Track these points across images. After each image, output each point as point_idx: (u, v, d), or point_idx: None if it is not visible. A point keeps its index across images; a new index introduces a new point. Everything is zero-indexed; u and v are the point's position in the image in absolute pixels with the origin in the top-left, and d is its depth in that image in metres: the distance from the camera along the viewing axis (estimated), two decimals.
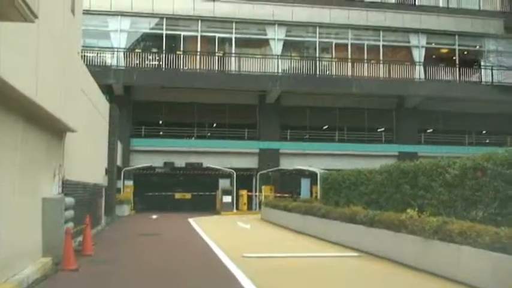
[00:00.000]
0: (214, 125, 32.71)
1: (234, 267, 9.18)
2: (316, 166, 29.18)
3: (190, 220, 22.17)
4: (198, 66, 30.08)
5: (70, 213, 10.90)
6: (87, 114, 14.73)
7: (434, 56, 33.76)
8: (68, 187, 11.54)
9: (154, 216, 24.78)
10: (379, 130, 34.06)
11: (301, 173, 30.54)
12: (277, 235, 16.21)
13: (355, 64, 31.66)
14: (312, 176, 29.01)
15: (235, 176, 28.98)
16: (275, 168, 30.44)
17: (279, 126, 32.18)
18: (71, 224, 10.83)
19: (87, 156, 15.20)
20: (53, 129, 9.81)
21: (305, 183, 28.00)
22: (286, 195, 27.52)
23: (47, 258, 9.11)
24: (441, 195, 11.48)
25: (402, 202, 13.38)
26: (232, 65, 30.52)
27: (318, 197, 24.15)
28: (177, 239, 14.67)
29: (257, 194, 30.46)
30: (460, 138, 34.46)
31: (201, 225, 19.27)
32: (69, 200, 10.86)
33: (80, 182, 13.65)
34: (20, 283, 7.15)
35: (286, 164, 31.27)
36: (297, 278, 8.48)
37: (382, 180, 14.83)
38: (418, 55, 32.49)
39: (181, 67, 30.01)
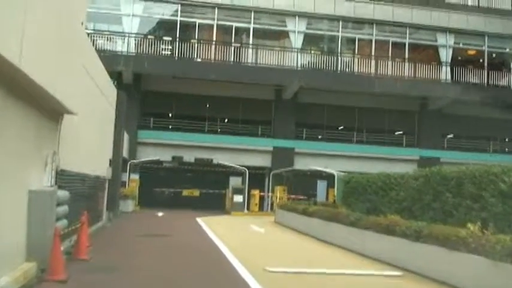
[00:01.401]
0: (227, 119, 31.02)
1: (256, 285, 7.52)
2: (332, 168, 27.58)
3: (199, 220, 20.54)
4: (212, 57, 28.40)
5: (64, 209, 9.26)
6: (91, 97, 13.11)
7: (461, 57, 31.89)
8: (63, 179, 9.91)
9: (160, 214, 23.16)
10: (400, 133, 32.25)
11: (317, 175, 28.85)
12: (298, 243, 14.51)
13: (379, 62, 29.86)
14: (329, 178, 27.33)
15: (247, 174, 27.28)
16: (289, 168, 28.74)
17: (295, 124, 30.50)
18: (63, 222, 9.21)
19: (89, 144, 13.58)
20: (44, 108, 8.16)
21: (321, 185, 26.29)
22: (302, 197, 25.81)
23: (31, 263, 7.48)
24: (493, 207, 9.88)
25: (442, 212, 11.82)
26: (249, 57, 28.83)
27: (336, 200, 22.59)
28: (187, 244, 12.94)
29: (270, 194, 28.76)
30: (485, 145, 32.69)
31: (212, 226, 17.62)
32: (63, 194, 9.23)
33: (79, 173, 12.04)
34: None
35: (300, 164, 29.64)
36: None
37: (418, 186, 13.25)
38: (445, 55, 30.68)
39: (195, 57, 28.34)
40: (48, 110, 8.45)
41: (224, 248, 11.84)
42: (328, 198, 26.47)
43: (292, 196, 26.64)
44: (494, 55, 32.35)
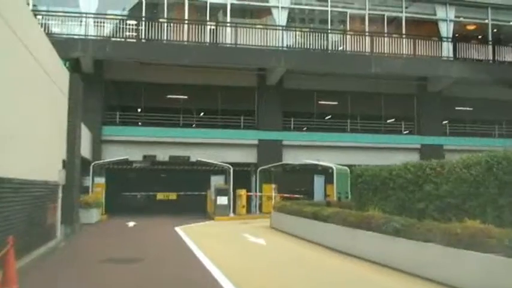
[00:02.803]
0: (204, 111, 27.23)
1: None
2: (325, 161, 24.26)
3: (179, 230, 16.81)
4: (185, 38, 24.56)
5: None
6: (25, 73, 9.28)
7: (463, 32, 28.70)
8: None
9: (131, 224, 19.27)
10: (397, 120, 28.85)
11: (310, 170, 25.40)
12: (320, 261, 10.77)
13: (374, 39, 26.40)
14: (325, 172, 23.91)
15: (232, 172, 23.56)
16: (278, 163, 25.16)
17: (282, 114, 26.90)
18: None
19: (27, 140, 9.75)
20: None
21: (318, 181, 22.74)
22: (297, 196, 22.21)
23: None
24: None
25: None
26: (227, 37, 25.05)
27: (340, 198, 19.18)
28: (169, 275, 8.83)
29: (258, 194, 25.10)
30: (490, 129, 29.68)
31: (196, 239, 13.88)
32: None
33: (9, 178, 8.26)
34: None
35: (289, 158, 26.17)
36: None
37: (474, 176, 9.91)
38: (446, 30, 27.42)
39: (165, 39, 24.47)
40: None
41: (223, 278, 8.12)
42: (326, 196, 22.95)
43: (286, 195, 23.00)
44: (498, 29, 29.24)
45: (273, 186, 23.23)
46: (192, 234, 15.15)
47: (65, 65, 15.29)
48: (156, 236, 15.28)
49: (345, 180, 22.42)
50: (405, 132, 28.70)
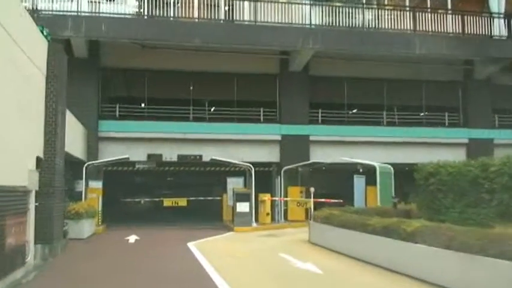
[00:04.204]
0: (219, 102, 23.24)
1: None
2: (357, 158, 20.61)
3: (193, 247, 12.97)
4: (196, 15, 20.78)
5: None
6: None
7: None
8: None
9: (132, 239, 15.38)
10: (440, 110, 24.85)
11: (341, 169, 21.65)
12: None
13: (417, 15, 22.47)
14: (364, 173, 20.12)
15: (253, 172, 19.68)
16: (308, 162, 21.29)
17: (308, 105, 23.03)
18: None
19: None
20: None
21: (359, 183, 18.81)
22: (334, 201, 18.29)
23: None
24: None
25: None
26: (246, 14, 21.24)
27: (396, 203, 15.37)
28: None
29: (285, 199, 21.17)
30: None
31: (220, 264, 10.02)
32: None
33: None
34: None
35: (317, 155, 22.36)
36: None
37: None
38: (497, 4, 23.49)
39: (172, 15, 20.70)
40: None
41: None
42: (366, 202, 19.07)
43: (322, 200, 19.05)
44: None
45: (312, 189, 19.24)
46: (212, 256, 11.27)
47: (42, 32, 11.51)
48: (164, 258, 11.35)
49: (388, 181, 18.66)
50: (449, 124, 24.74)
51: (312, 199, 19.12)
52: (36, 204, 10.59)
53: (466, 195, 10.83)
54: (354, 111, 24.08)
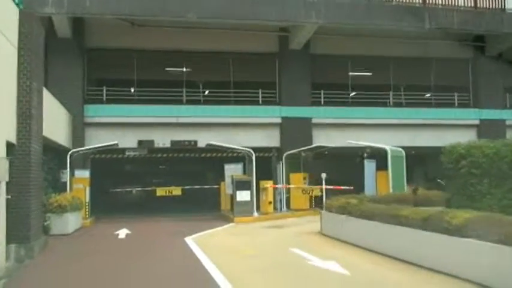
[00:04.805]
0: (214, 84, 21.83)
1: None
2: (363, 141, 19.18)
3: (192, 243, 11.46)
4: None
5: None
6: None
7: None
8: None
9: (123, 233, 13.82)
10: (450, 90, 23.39)
11: (346, 153, 20.20)
12: None
13: None
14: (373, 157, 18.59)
15: (254, 158, 18.16)
16: (312, 146, 19.83)
17: (310, 85, 21.52)
18: None
19: None
20: None
21: (370, 168, 17.28)
22: (345, 187, 16.75)
23: None
24: None
25: None
26: None
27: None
28: None
29: (288, 186, 19.68)
30: None
31: (225, 264, 8.52)
32: None
33: None
34: None
35: (320, 139, 20.92)
36: None
37: None
38: None
39: None
40: None
41: None
42: (377, 189, 17.55)
43: (330, 187, 17.52)
44: None
45: (323, 175, 17.73)
46: (214, 253, 9.74)
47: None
48: (160, 260, 9.70)
49: (400, 165, 17.15)
50: (459, 105, 23.30)
51: (323, 186, 17.58)
52: (8, 197, 9.05)
53: (506, 180, 9.39)
54: (359, 91, 22.54)
